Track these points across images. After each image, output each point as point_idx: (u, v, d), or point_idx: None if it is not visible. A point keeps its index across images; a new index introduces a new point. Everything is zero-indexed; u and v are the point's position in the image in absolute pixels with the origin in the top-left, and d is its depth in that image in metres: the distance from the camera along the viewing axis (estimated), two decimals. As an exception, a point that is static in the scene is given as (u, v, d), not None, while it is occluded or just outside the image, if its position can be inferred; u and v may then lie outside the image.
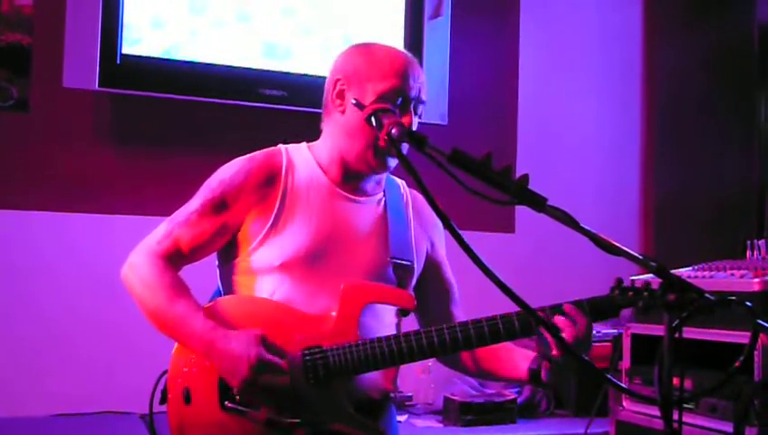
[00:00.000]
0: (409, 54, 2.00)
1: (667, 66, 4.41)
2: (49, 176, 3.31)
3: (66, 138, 3.35)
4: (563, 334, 1.77)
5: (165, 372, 1.90)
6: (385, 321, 1.97)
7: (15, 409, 3.10)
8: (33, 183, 3.29)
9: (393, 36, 3.73)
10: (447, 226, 1.48)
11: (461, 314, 2.13)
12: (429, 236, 2.12)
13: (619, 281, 1.82)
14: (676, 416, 1.40)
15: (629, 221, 4.37)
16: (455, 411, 3.24)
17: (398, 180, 2.13)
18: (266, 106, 3.46)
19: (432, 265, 2.11)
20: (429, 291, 2.10)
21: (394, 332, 1.95)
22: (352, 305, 1.87)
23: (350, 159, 1.96)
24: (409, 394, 3.55)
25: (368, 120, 1.81)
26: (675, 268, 2.52)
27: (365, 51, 1.98)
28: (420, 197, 2.13)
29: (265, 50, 3.53)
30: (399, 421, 3.25)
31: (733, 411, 2.41)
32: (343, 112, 1.96)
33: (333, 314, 1.87)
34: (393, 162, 1.95)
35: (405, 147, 1.70)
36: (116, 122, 3.42)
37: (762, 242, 2.80)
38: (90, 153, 3.37)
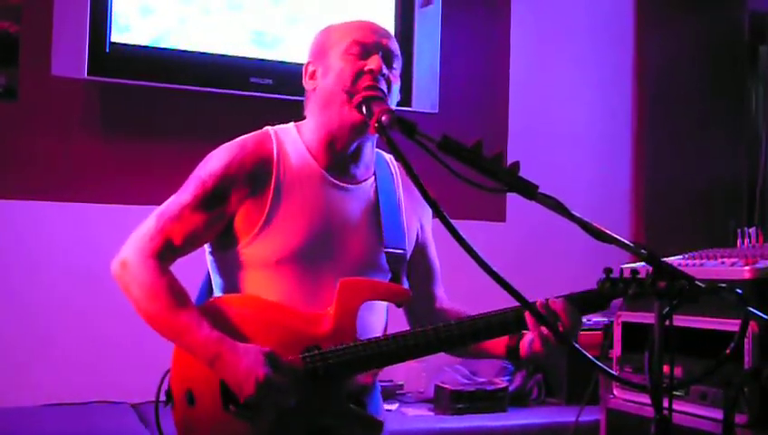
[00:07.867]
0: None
1: (659, 54, 4.41)
2: (37, 165, 3.29)
3: (55, 126, 3.33)
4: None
5: (168, 371, 1.87)
6: (381, 316, 1.98)
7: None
8: (20, 172, 3.27)
9: (383, 24, 3.70)
10: (439, 214, 1.46)
11: (442, 293, 2.13)
12: (419, 216, 2.10)
13: (608, 271, 1.80)
14: (666, 403, 1.40)
15: (620, 210, 4.36)
16: (446, 400, 3.24)
17: (387, 156, 2.10)
18: (255, 95, 3.44)
19: (419, 248, 2.10)
20: (413, 272, 2.09)
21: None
22: (349, 304, 1.86)
23: (334, 129, 1.92)
24: (401, 383, 3.55)
25: (358, 107, 1.81)
26: (665, 256, 2.52)
27: (324, 29, 2.02)
28: None
29: (254, 38, 3.51)
30: (390, 410, 3.27)
31: (723, 399, 2.42)
32: (315, 90, 1.96)
33: (330, 310, 1.86)
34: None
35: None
36: (105, 111, 3.40)
37: (752, 230, 2.80)
38: (78, 142, 3.35)
